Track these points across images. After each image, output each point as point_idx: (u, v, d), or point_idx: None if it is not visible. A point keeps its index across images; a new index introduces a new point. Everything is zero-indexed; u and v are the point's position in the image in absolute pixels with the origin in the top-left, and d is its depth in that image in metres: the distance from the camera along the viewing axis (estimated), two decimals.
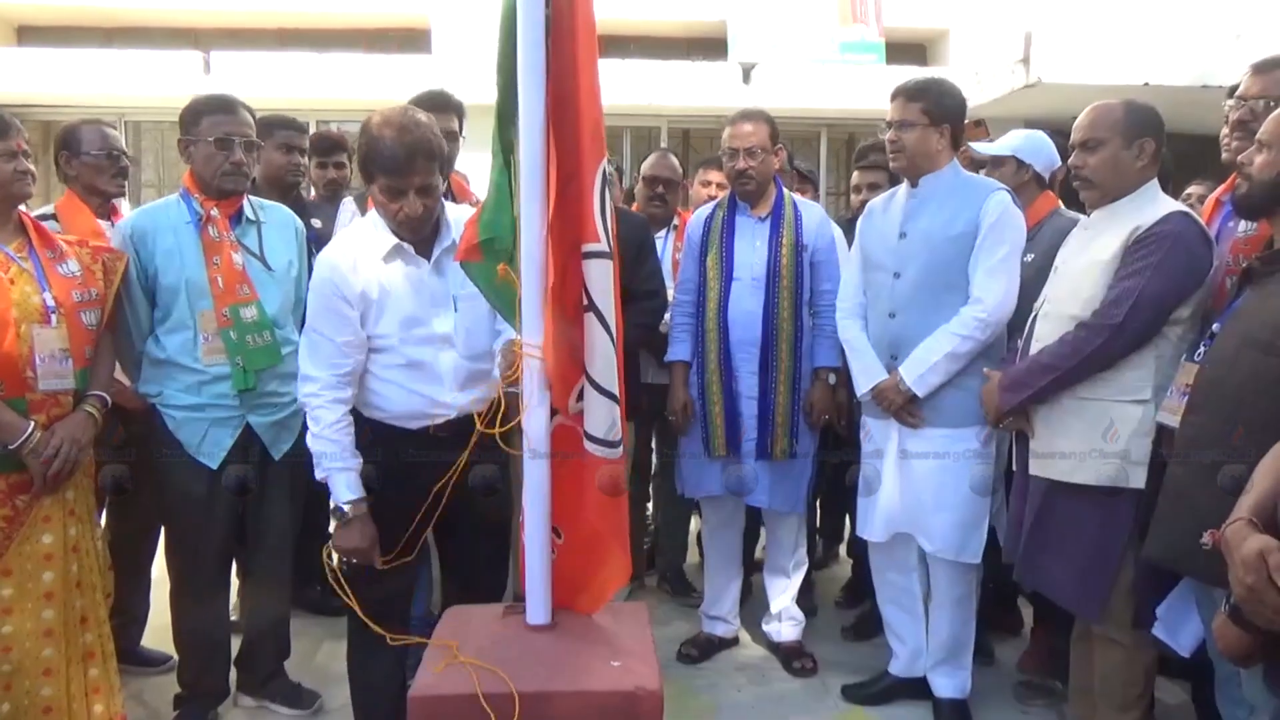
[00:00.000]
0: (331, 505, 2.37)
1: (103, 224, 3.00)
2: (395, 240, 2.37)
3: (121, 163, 3.09)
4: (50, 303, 2.39)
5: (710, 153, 8.77)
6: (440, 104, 3.05)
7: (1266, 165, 2.11)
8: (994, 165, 3.23)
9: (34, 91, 8.56)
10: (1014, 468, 2.74)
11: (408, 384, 2.42)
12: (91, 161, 3.01)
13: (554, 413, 2.05)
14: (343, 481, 2.35)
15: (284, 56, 8.94)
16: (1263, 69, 2.55)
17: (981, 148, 3.26)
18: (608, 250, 1.98)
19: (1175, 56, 7.77)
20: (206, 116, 2.71)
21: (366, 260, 2.36)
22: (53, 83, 8.56)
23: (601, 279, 1.98)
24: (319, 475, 2.37)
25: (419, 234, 2.38)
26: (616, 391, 2.02)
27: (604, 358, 2.00)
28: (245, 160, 2.75)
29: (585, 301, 1.97)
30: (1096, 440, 2.45)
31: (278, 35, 9.65)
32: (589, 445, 2.04)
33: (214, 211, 2.72)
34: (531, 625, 2.08)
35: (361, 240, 2.41)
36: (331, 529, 2.44)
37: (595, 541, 2.11)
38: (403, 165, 2.24)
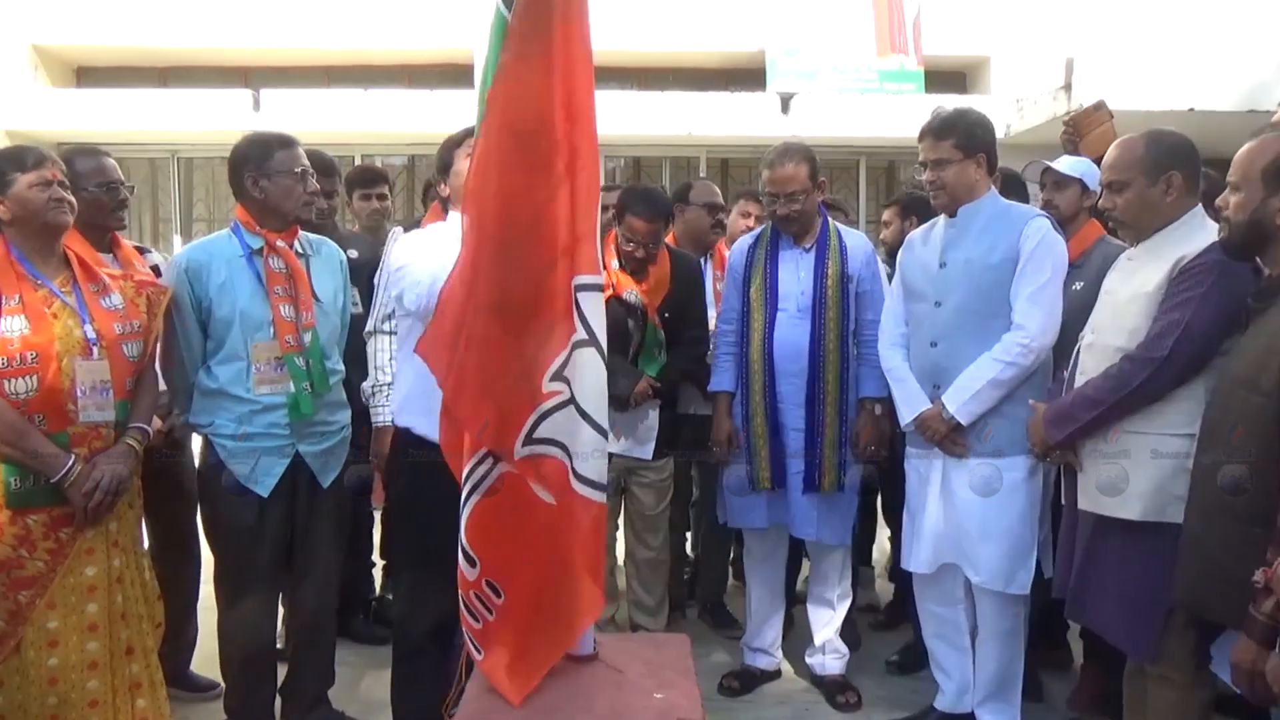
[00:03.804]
0: None
1: (105, 258, 2.88)
2: None
3: (120, 194, 2.94)
4: (91, 335, 2.43)
5: (749, 182, 8.84)
6: None
7: (1239, 206, 2.11)
8: (1056, 188, 3.22)
9: (92, 129, 8.84)
10: (1063, 501, 2.70)
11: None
12: (90, 197, 2.82)
13: (494, 459, 1.96)
14: None
15: (330, 93, 9.16)
16: None
17: (1061, 165, 3.26)
18: (601, 283, 1.99)
19: (1220, 81, 7.68)
20: (279, 151, 2.78)
21: (449, 247, 2.42)
22: (110, 121, 8.84)
23: (597, 312, 1.97)
24: None
25: None
26: (607, 427, 2.00)
27: (600, 394, 1.98)
28: (315, 189, 2.89)
29: (585, 335, 1.94)
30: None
31: (325, 72, 9.89)
32: (579, 486, 1.96)
33: (280, 243, 2.78)
34: (574, 656, 2.08)
35: (441, 232, 2.54)
36: None
37: (551, 591, 1.98)
38: None
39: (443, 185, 2.66)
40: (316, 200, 2.92)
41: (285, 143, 2.81)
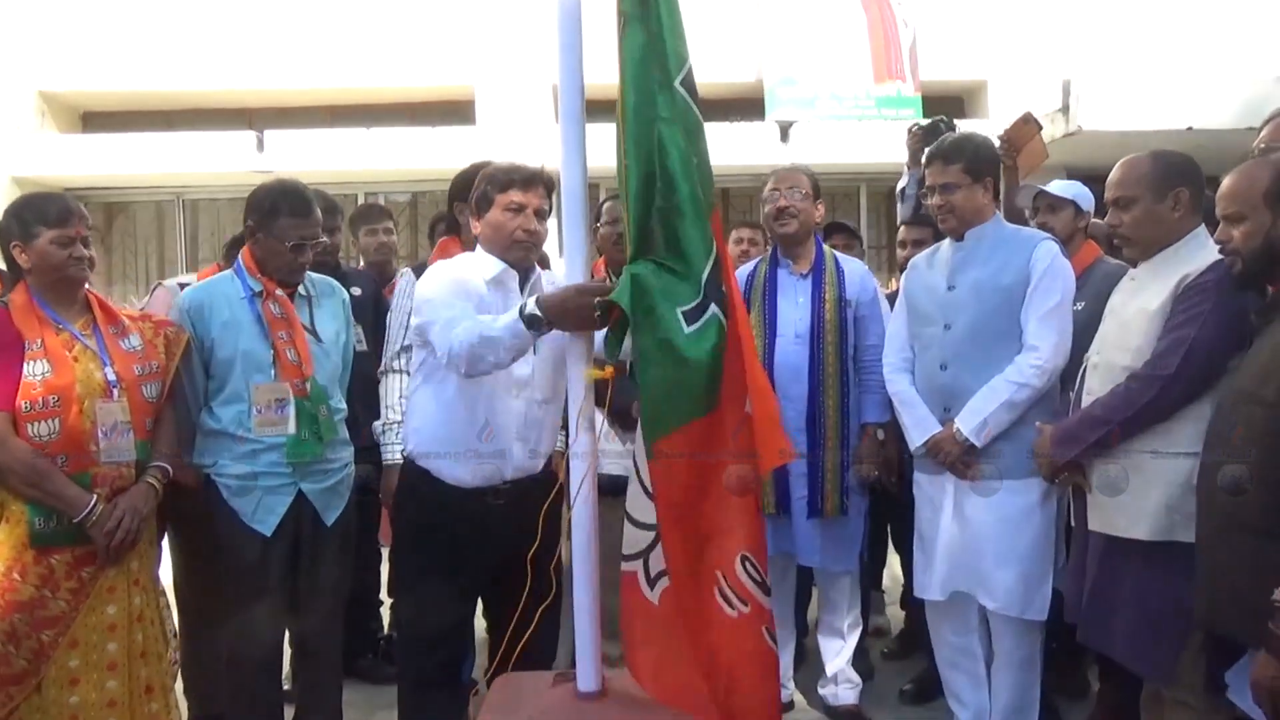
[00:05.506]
0: (527, 317, 2.11)
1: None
2: (502, 265, 2.49)
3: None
4: (112, 377, 2.48)
5: (750, 211, 8.86)
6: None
7: (1247, 235, 2.10)
8: (1050, 211, 3.23)
9: (98, 174, 8.91)
10: (1072, 524, 2.67)
11: (470, 428, 2.47)
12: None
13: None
14: (509, 315, 2.18)
15: (333, 133, 9.22)
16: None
17: (1053, 188, 3.27)
18: None
19: (1218, 99, 7.70)
20: (285, 217, 2.74)
21: (475, 281, 2.47)
22: (116, 165, 8.90)
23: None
24: (503, 329, 2.16)
25: (529, 256, 2.52)
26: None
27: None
28: (310, 259, 2.84)
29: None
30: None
31: (327, 112, 9.95)
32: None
33: (279, 291, 2.79)
34: (583, 693, 2.05)
35: (468, 266, 2.53)
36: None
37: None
38: (531, 178, 2.49)
39: (476, 223, 2.57)
40: (300, 273, 2.85)
41: (296, 211, 2.77)
